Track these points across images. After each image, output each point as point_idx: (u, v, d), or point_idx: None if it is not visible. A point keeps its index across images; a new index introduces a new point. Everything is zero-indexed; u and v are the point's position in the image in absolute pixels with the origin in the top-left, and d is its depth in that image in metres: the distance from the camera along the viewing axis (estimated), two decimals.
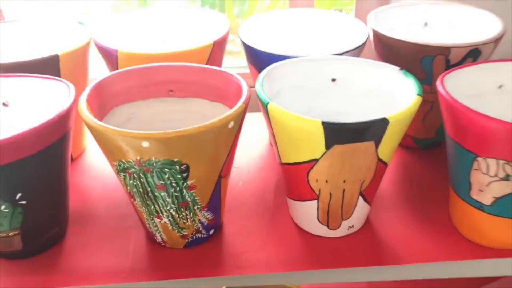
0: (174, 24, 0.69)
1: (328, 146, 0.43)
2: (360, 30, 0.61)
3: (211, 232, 0.52)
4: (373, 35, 0.60)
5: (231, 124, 0.44)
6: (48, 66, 0.54)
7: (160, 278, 0.49)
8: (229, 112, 0.43)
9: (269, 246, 0.52)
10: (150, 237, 0.52)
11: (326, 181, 0.47)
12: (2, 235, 0.48)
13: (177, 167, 0.43)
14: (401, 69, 0.50)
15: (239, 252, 0.51)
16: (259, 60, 0.57)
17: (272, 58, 0.54)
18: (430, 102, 0.60)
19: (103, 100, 0.49)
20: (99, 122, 0.42)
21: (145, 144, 0.41)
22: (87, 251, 0.52)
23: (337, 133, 0.42)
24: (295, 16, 0.69)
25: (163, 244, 0.52)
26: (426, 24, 0.66)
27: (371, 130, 0.42)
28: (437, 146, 0.67)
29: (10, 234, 0.48)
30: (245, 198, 0.59)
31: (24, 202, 0.46)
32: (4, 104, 0.52)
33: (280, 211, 0.56)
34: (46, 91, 0.51)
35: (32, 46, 0.65)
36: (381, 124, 0.42)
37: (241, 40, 0.59)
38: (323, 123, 0.41)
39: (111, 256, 0.51)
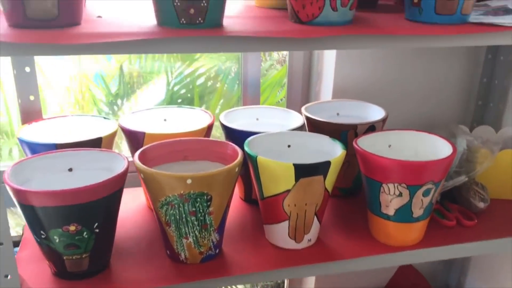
0: (177, 117, 0.96)
1: (296, 179, 0.71)
2: (298, 117, 0.93)
3: (217, 251, 0.76)
4: (307, 120, 0.92)
5: (236, 169, 0.70)
6: (94, 144, 0.78)
7: (184, 281, 0.71)
8: (235, 161, 0.70)
9: (255, 258, 0.77)
10: (175, 257, 0.74)
11: (295, 205, 0.74)
12: (77, 257, 0.68)
13: (205, 197, 0.68)
14: (331, 137, 0.81)
15: (236, 263, 0.75)
16: (234, 136, 0.85)
17: (244, 134, 0.82)
18: (347, 161, 0.91)
19: (145, 161, 0.74)
20: (158, 171, 0.67)
21: (189, 181, 0.66)
22: (129, 271, 0.73)
23: (301, 170, 0.70)
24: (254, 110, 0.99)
25: (185, 261, 0.74)
26: (338, 114, 1.00)
27: (321, 168, 0.71)
28: (352, 194, 0.97)
29: (83, 256, 0.68)
30: (233, 235, 0.83)
31: (97, 230, 0.68)
32: (69, 169, 0.74)
33: (259, 238, 0.82)
34: (100, 159, 0.75)
35: (77, 132, 0.88)
36: (327, 164, 0.71)
37: (221, 124, 0.88)
38: (294, 164, 0.70)
39: (147, 272, 0.73)
